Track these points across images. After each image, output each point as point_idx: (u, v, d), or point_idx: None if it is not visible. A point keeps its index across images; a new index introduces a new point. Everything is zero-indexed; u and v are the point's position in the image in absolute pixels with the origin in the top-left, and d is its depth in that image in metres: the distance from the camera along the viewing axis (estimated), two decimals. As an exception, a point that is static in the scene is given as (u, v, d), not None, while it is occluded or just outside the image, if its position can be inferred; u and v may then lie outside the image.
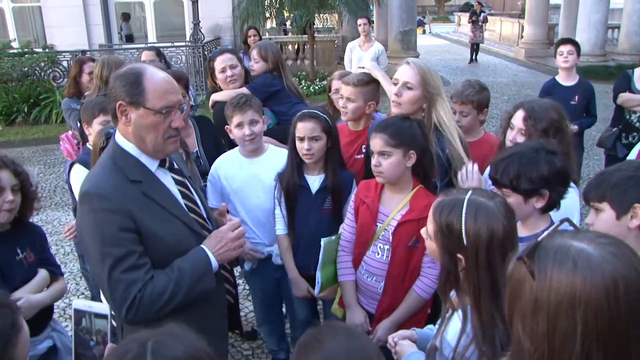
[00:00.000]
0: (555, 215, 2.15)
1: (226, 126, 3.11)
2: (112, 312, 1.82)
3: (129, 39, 14.86)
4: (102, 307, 1.55)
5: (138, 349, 1.05)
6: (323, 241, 2.63)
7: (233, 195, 3.07)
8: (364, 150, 3.15)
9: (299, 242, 2.93)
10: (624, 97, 4.89)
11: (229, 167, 3.10)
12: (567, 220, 1.15)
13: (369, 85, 3.12)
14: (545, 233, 1.10)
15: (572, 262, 1.00)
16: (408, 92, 2.57)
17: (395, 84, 2.60)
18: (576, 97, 4.85)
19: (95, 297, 3.43)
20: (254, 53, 3.97)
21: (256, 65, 3.94)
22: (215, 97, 3.87)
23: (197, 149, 3.43)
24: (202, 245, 2.00)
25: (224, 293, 2.26)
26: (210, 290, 2.00)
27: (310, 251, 2.81)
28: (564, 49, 4.96)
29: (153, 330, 1.11)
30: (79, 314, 1.55)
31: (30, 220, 2.50)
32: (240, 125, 2.98)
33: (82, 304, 1.57)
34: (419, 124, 2.52)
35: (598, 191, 1.86)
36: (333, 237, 2.69)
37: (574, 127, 4.30)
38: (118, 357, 1.06)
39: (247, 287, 4.60)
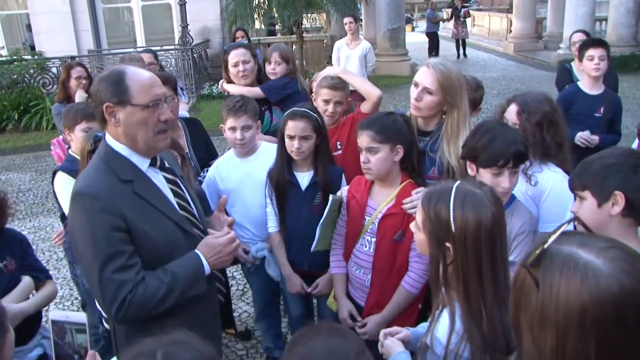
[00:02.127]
0: (550, 204, 2.16)
1: (220, 125, 3.15)
2: (104, 315, 1.81)
3: (34, 48, 14.23)
4: (79, 316, 1.55)
5: None
6: (331, 197, 2.63)
7: (230, 196, 3.08)
8: (339, 147, 3.19)
9: (291, 239, 2.94)
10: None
11: (223, 169, 3.15)
12: (575, 218, 1.11)
13: (345, 83, 3.20)
14: (552, 238, 1.05)
15: (580, 278, 0.95)
16: (428, 97, 2.53)
17: (416, 86, 2.56)
18: (601, 109, 4.16)
19: (85, 303, 3.43)
20: (275, 55, 3.95)
21: (279, 67, 3.93)
22: (229, 88, 3.91)
23: (187, 150, 3.46)
24: (197, 251, 2.02)
25: (215, 292, 2.28)
26: (201, 294, 2.03)
27: (303, 247, 2.82)
28: (595, 53, 4.08)
29: (157, 340, 1.10)
30: (59, 327, 1.55)
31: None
32: (233, 129, 3.03)
33: (59, 315, 1.56)
34: (404, 118, 2.55)
35: (580, 179, 1.87)
36: (339, 194, 2.71)
37: (594, 138, 4.02)
38: None
39: (240, 287, 4.64)
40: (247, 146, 3.07)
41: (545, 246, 1.03)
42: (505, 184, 2.14)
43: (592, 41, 4.37)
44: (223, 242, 2.06)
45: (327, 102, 3.16)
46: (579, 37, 5.10)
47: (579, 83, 4.34)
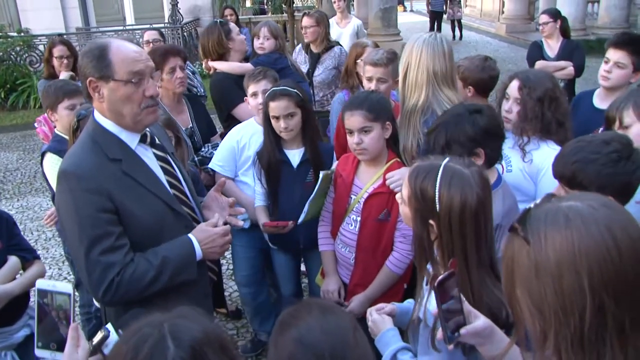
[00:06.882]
0: (548, 182, 2.18)
1: (245, 97, 3.16)
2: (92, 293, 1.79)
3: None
4: (66, 286, 1.54)
5: (157, 335, 1.03)
6: (321, 173, 2.62)
7: (249, 163, 3.05)
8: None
9: (285, 218, 2.88)
10: (541, 64, 4.83)
11: (244, 136, 3.09)
12: (552, 195, 1.14)
13: (391, 60, 3.08)
14: (533, 203, 1.08)
15: (564, 219, 0.99)
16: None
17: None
18: (600, 128, 2.70)
19: (79, 281, 3.41)
20: (264, 31, 3.92)
21: (267, 42, 3.90)
22: (216, 65, 3.84)
23: (192, 125, 3.46)
24: (190, 237, 1.98)
25: (207, 274, 2.25)
26: (191, 280, 1.99)
27: (297, 225, 2.78)
28: (612, 56, 3.10)
29: (162, 314, 1.10)
30: (43, 293, 1.54)
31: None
32: (254, 94, 3.04)
33: (46, 283, 1.55)
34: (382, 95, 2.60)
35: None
36: (330, 170, 2.70)
37: None
38: (136, 344, 1.03)
39: (230, 267, 4.62)
40: None
41: (529, 206, 1.08)
42: None
43: (616, 39, 3.20)
44: (218, 232, 2.03)
45: (369, 79, 3.03)
46: (545, 18, 5.13)
47: (595, 91, 3.30)
